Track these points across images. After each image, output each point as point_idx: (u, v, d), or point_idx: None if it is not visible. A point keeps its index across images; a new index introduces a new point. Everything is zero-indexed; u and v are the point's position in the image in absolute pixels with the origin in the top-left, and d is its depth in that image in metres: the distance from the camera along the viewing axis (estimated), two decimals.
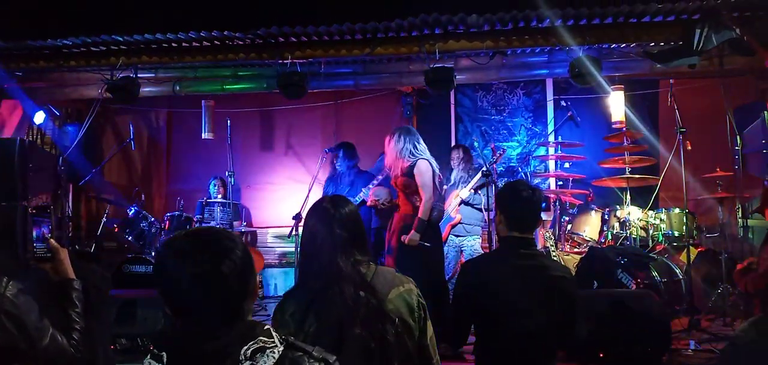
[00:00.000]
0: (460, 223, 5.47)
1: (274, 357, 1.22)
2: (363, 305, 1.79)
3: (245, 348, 1.21)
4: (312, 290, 1.84)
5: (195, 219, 6.12)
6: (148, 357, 1.25)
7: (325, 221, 1.90)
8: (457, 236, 5.50)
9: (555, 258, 5.02)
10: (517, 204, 2.35)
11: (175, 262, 1.25)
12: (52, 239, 2.02)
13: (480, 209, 5.48)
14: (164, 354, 1.24)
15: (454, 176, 5.66)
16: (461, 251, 5.51)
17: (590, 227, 5.65)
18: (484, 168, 5.06)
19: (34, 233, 2.03)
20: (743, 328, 2.73)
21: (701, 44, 4.63)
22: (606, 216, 5.62)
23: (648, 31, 4.95)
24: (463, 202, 5.38)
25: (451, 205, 5.48)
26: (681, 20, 4.83)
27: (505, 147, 7.00)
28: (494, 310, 2.29)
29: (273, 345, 1.24)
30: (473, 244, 5.47)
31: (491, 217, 5.32)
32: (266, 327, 1.28)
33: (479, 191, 5.50)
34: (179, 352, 1.25)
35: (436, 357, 1.98)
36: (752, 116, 5.29)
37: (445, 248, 5.60)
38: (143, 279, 5.49)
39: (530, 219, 2.37)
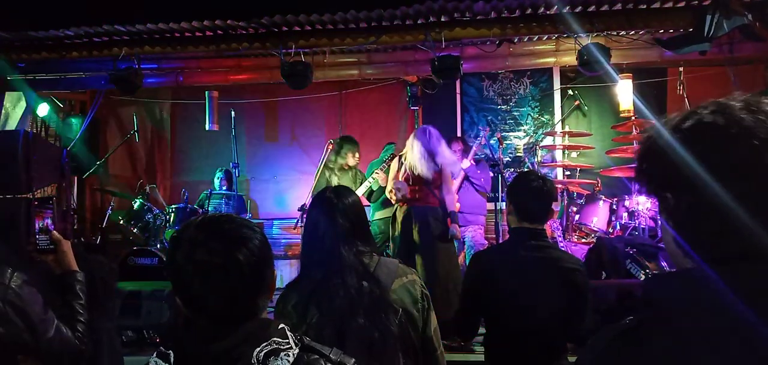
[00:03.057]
0: (459, 211, 5.43)
1: (288, 361, 1.14)
2: (366, 295, 1.77)
3: (258, 350, 1.14)
4: (314, 280, 1.82)
5: (200, 211, 6.09)
6: (155, 355, 1.18)
7: (327, 211, 1.88)
8: (459, 226, 5.46)
9: (563, 249, 4.98)
10: (528, 195, 2.31)
11: (187, 249, 1.17)
12: (54, 231, 2.00)
13: (481, 190, 5.44)
14: (171, 353, 1.17)
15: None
16: (463, 241, 5.47)
17: (598, 217, 5.60)
18: (488, 153, 5.07)
19: (37, 225, 2.00)
20: None
21: (712, 31, 4.55)
22: (614, 206, 5.57)
23: (658, 17, 4.88)
24: (466, 175, 5.35)
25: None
26: (691, 6, 4.76)
27: (512, 137, 6.95)
28: (504, 302, 2.27)
29: (288, 346, 1.16)
30: (474, 234, 5.43)
31: (498, 207, 5.30)
32: (280, 327, 1.21)
33: (479, 167, 5.46)
34: (187, 352, 1.18)
35: (439, 348, 1.96)
36: None
37: None
38: (148, 271, 5.47)
39: (541, 211, 2.33)
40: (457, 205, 5.39)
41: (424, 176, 4.48)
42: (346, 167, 5.44)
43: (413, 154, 4.48)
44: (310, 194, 5.35)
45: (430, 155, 4.45)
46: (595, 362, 0.88)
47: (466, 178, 5.43)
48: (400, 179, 4.63)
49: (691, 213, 0.82)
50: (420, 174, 4.47)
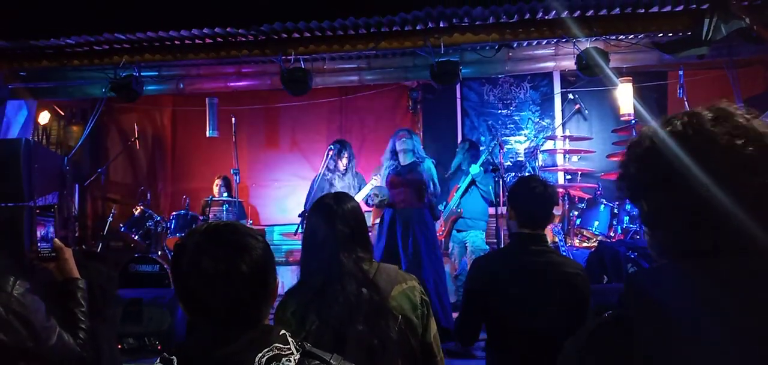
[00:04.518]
0: (461, 217, 5.43)
1: None
2: (365, 302, 1.76)
3: (260, 355, 1.15)
4: (313, 287, 1.81)
5: (200, 218, 6.11)
6: (158, 360, 1.19)
7: (327, 217, 1.88)
8: (460, 231, 5.47)
9: (564, 253, 4.98)
10: (529, 200, 2.30)
11: (192, 256, 1.18)
12: (56, 239, 2.00)
13: (484, 199, 5.44)
14: (174, 358, 1.18)
15: (454, 164, 5.66)
16: (465, 246, 5.48)
17: (599, 221, 5.60)
18: (490, 159, 5.10)
19: (39, 233, 2.01)
20: None
21: (710, 34, 4.56)
22: (615, 210, 5.57)
23: (656, 21, 4.88)
24: (474, 181, 5.36)
25: (454, 198, 5.47)
26: (689, 10, 4.77)
27: (512, 141, 6.96)
28: (505, 307, 2.26)
29: (289, 352, 1.17)
30: (476, 239, 5.43)
31: (498, 212, 5.30)
32: (282, 333, 1.22)
33: (486, 175, 5.45)
34: (190, 357, 1.19)
35: (439, 354, 1.95)
36: (762, 107, 5.17)
37: (451, 244, 5.60)
38: (149, 278, 5.49)
39: (542, 216, 2.33)
40: (460, 210, 5.41)
41: (412, 176, 4.62)
42: (342, 170, 5.43)
43: (401, 153, 4.72)
44: (309, 201, 5.35)
45: (415, 153, 4.73)
46: (579, 353, 0.93)
47: (474, 183, 5.42)
48: (381, 184, 4.75)
49: (661, 214, 0.90)
50: (406, 174, 4.60)
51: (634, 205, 0.96)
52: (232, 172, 5.84)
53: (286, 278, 7.25)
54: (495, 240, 5.61)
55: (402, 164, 4.78)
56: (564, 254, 4.84)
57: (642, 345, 0.83)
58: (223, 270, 1.17)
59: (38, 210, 2.05)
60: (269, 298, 1.25)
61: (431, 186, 4.74)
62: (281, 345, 1.18)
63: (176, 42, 5.32)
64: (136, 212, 5.95)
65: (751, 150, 0.84)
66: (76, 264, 2.04)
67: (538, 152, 6.68)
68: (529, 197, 2.30)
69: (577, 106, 6.73)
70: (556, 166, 6.62)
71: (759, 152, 0.84)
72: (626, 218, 5.50)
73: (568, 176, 6.34)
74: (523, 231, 2.33)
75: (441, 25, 5.05)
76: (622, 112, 5.91)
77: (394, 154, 4.82)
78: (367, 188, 5.13)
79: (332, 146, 5.37)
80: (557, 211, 6.09)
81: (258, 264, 1.20)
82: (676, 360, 0.80)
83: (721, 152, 0.84)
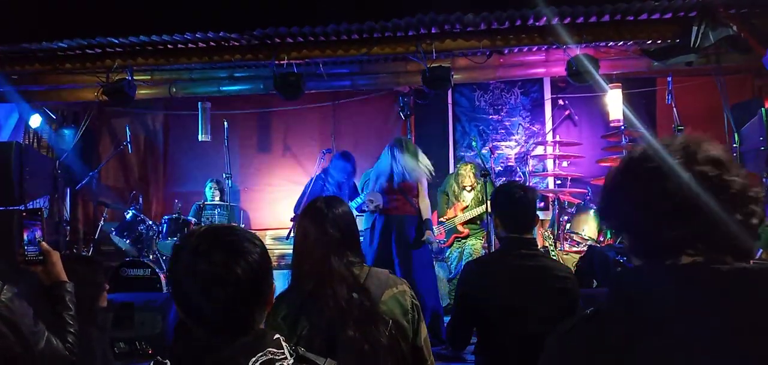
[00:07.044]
0: (467, 236, 5.49)
1: None
2: (356, 306, 1.77)
3: (253, 360, 1.15)
4: (304, 291, 1.81)
5: (192, 222, 6.09)
6: (151, 364, 1.19)
7: (317, 221, 1.88)
8: (458, 240, 5.50)
9: (554, 257, 5.01)
10: (511, 206, 2.33)
11: (188, 259, 1.17)
12: (43, 242, 2.00)
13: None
14: (167, 362, 1.18)
15: (464, 193, 5.62)
16: (463, 251, 5.50)
17: (589, 226, 5.64)
18: (479, 163, 5.13)
19: (26, 237, 2.00)
20: None
21: (698, 42, 4.62)
22: None
23: (645, 29, 4.94)
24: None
25: (458, 218, 5.47)
26: (678, 18, 4.83)
27: (503, 147, 6.99)
28: (495, 311, 2.28)
29: (282, 357, 1.17)
30: (474, 244, 5.46)
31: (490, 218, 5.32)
32: (276, 337, 1.21)
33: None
34: (184, 362, 1.19)
35: (430, 358, 1.96)
36: (750, 113, 5.27)
37: (447, 251, 5.63)
38: (141, 282, 5.46)
39: (526, 219, 2.35)
40: (466, 230, 5.44)
41: (405, 183, 4.58)
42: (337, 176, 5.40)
43: (401, 162, 4.61)
44: (301, 204, 5.35)
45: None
46: (559, 345, 0.99)
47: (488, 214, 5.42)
48: (374, 190, 4.74)
49: (629, 218, 0.99)
50: (400, 182, 4.56)
51: (606, 215, 1.05)
52: (224, 176, 5.84)
53: (278, 282, 7.22)
54: (487, 244, 5.64)
55: (395, 171, 4.76)
56: (553, 258, 4.88)
57: (614, 339, 0.89)
58: (218, 275, 1.15)
59: (25, 214, 2.04)
60: (264, 304, 1.25)
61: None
62: (275, 350, 1.17)
63: (169, 46, 5.32)
64: (128, 216, 5.93)
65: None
66: (64, 268, 2.04)
67: (529, 158, 6.72)
68: (511, 202, 2.33)
69: (567, 112, 6.78)
70: (547, 171, 6.66)
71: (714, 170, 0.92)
72: None
73: (558, 181, 6.38)
74: (512, 235, 2.35)
75: (433, 31, 5.08)
76: (611, 118, 5.98)
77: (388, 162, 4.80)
78: (361, 196, 5.14)
79: (326, 151, 5.37)
80: (547, 216, 6.13)
81: (254, 269, 1.19)
82: (643, 354, 0.86)
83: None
